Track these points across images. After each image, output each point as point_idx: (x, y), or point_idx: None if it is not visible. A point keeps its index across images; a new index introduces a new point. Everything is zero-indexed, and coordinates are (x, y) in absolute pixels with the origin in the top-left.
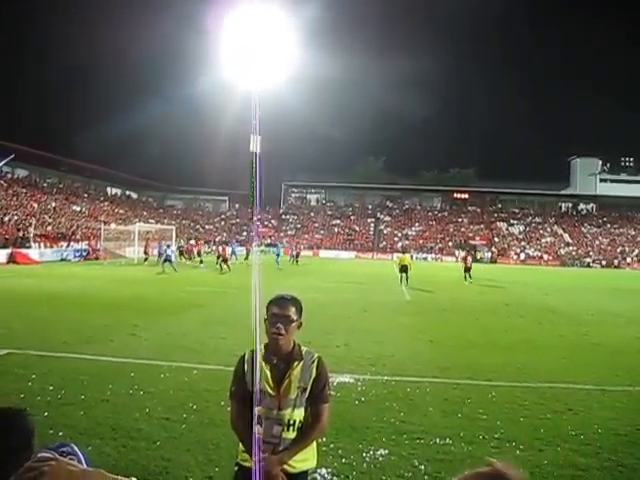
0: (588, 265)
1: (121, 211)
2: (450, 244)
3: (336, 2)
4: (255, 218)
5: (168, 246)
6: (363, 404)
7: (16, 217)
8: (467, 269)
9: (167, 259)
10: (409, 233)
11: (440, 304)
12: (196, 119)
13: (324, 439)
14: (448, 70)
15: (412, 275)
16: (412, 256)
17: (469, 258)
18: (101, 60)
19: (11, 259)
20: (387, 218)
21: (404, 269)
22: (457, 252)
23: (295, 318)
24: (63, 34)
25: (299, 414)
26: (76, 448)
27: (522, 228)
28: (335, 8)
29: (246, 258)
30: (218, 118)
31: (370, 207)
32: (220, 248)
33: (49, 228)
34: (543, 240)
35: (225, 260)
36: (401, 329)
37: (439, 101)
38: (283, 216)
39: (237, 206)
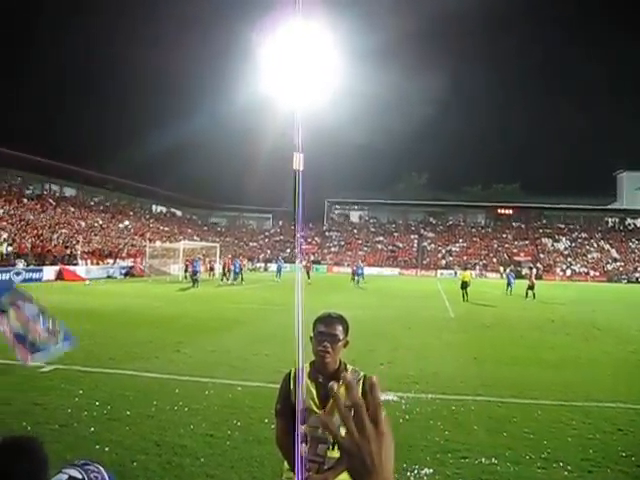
0: (636, 280)
1: (166, 228)
2: (494, 260)
3: (379, 20)
4: (298, 235)
5: (196, 260)
6: (407, 422)
7: (64, 235)
8: (531, 286)
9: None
10: (453, 249)
11: (485, 320)
12: (239, 136)
13: None
14: (490, 84)
15: (455, 292)
16: (455, 273)
17: (532, 275)
18: (145, 78)
19: (59, 276)
20: (431, 234)
21: (465, 285)
22: (501, 268)
23: (342, 337)
24: (106, 54)
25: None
26: (102, 469)
27: (568, 244)
28: (377, 26)
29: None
30: (261, 135)
31: (413, 223)
32: (226, 259)
33: (96, 245)
34: (589, 256)
35: (229, 271)
36: (445, 346)
37: (482, 116)
38: (326, 233)
39: (281, 223)
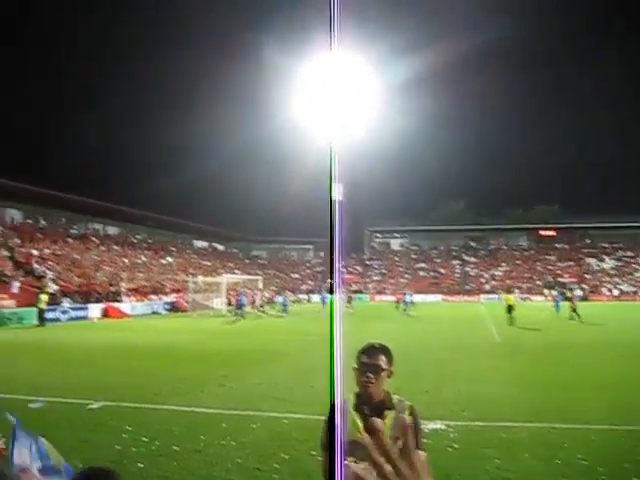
0: None
1: (208, 263)
2: (538, 283)
3: (416, 49)
4: (337, 265)
5: (241, 294)
6: (456, 451)
7: (108, 272)
8: (574, 308)
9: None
10: (496, 274)
11: (531, 344)
12: (278, 167)
13: None
14: (526, 106)
15: (500, 316)
16: (499, 297)
17: (573, 296)
18: (181, 110)
19: (104, 313)
20: (473, 259)
21: (510, 309)
22: (546, 291)
23: (385, 367)
24: (141, 88)
25: None
26: None
27: (613, 263)
28: (415, 54)
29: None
30: (300, 165)
31: (455, 249)
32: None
33: (140, 282)
34: (637, 274)
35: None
36: (492, 372)
37: (519, 138)
38: (367, 262)
39: (322, 254)
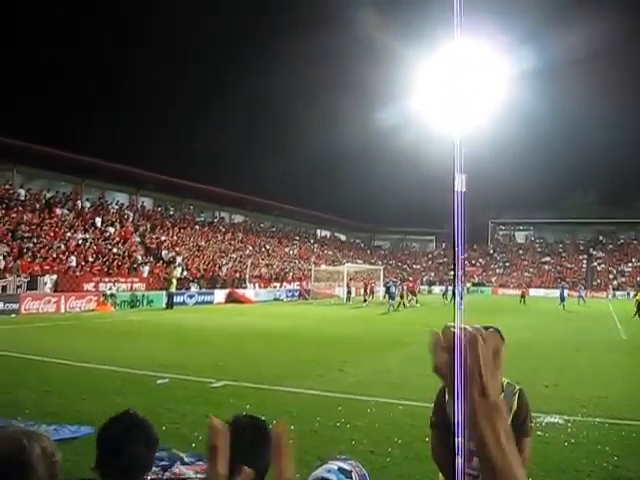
0: None
1: (330, 252)
2: None
3: (545, 39)
4: (459, 257)
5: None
6: (573, 446)
7: (234, 259)
8: None
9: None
10: (625, 270)
11: None
12: (401, 158)
13: (529, 479)
14: None
15: (627, 312)
16: (629, 294)
17: None
18: (298, 100)
19: (229, 298)
20: (601, 254)
21: None
22: None
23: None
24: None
25: None
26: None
27: None
28: (543, 44)
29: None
30: (424, 156)
31: (582, 243)
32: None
33: (263, 269)
34: None
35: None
36: (616, 369)
37: None
38: (491, 254)
39: (444, 245)
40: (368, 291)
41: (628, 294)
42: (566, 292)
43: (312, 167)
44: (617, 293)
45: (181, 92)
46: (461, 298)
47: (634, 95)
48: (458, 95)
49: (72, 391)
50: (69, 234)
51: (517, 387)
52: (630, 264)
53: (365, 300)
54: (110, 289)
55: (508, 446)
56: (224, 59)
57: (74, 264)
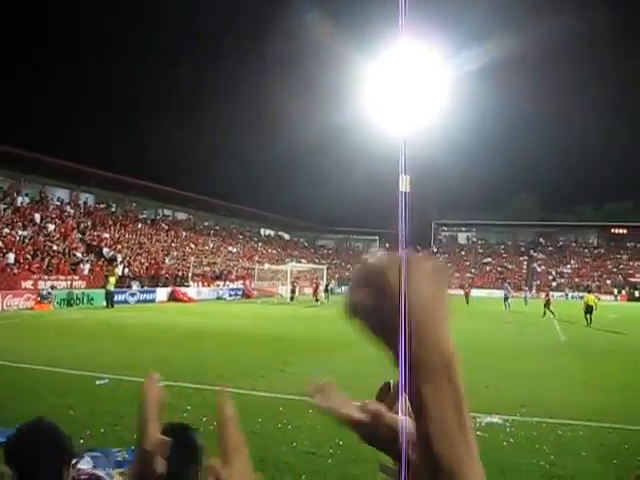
0: None
1: (274, 251)
2: (608, 282)
3: (486, 38)
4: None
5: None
6: (512, 446)
7: (176, 257)
8: None
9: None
10: (564, 271)
11: (597, 345)
12: (345, 159)
13: None
14: (614, 103)
15: (567, 315)
16: (568, 295)
17: None
18: (250, 100)
19: (171, 297)
20: (541, 256)
21: (589, 309)
22: (615, 290)
23: None
24: (211, 84)
25: None
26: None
27: None
28: (484, 44)
29: None
30: (367, 157)
31: (523, 244)
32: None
33: (206, 268)
34: None
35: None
36: (554, 370)
37: (593, 134)
38: (434, 255)
39: (387, 245)
40: (318, 290)
41: (567, 295)
42: (511, 292)
43: (257, 166)
44: (556, 294)
45: (127, 90)
46: None
47: (578, 98)
48: (403, 96)
49: (7, 393)
50: (6, 230)
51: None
52: (569, 265)
53: (317, 300)
54: (50, 287)
55: (461, 433)
56: (170, 60)
57: (12, 261)
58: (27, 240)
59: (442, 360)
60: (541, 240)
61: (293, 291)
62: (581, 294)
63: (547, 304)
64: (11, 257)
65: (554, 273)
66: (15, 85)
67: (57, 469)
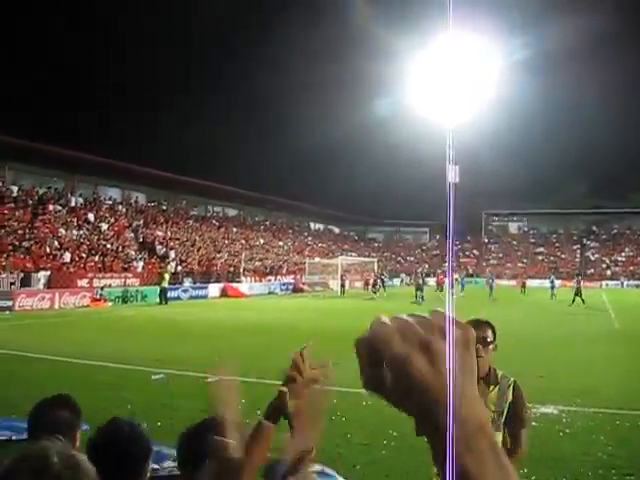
0: None
1: (324, 245)
2: None
3: (537, 28)
4: (450, 249)
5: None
6: (567, 436)
7: (227, 253)
8: None
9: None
10: (618, 259)
11: None
12: (395, 151)
13: (525, 469)
14: None
15: (621, 302)
16: (623, 283)
17: None
18: (294, 93)
19: (223, 292)
20: (594, 244)
21: None
22: None
23: (491, 340)
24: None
25: (497, 438)
26: None
27: None
28: (537, 34)
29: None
30: (416, 148)
31: (575, 233)
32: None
33: (257, 263)
34: None
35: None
36: (609, 359)
37: None
38: (485, 245)
39: (437, 237)
40: (378, 284)
41: (622, 284)
42: (557, 282)
43: (306, 160)
44: (610, 283)
45: (174, 89)
46: (457, 289)
47: (628, 86)
48: (451, 87)
49: (67, 387)
50: (62, 230)
51: (512, 379)
52: (623, 253)
53: (375, 292)
54: (104, 285)
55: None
56: (218, 57)
57: (68, 260)
58: (82, 239)
59: (477, 422)
60: (594, 228)
61: (343, 285)
62: (637, 282)
63: (578, 292)
64: (67, 256)
65: (608, 261)
66: (66, 86)
67: (139, 464)
